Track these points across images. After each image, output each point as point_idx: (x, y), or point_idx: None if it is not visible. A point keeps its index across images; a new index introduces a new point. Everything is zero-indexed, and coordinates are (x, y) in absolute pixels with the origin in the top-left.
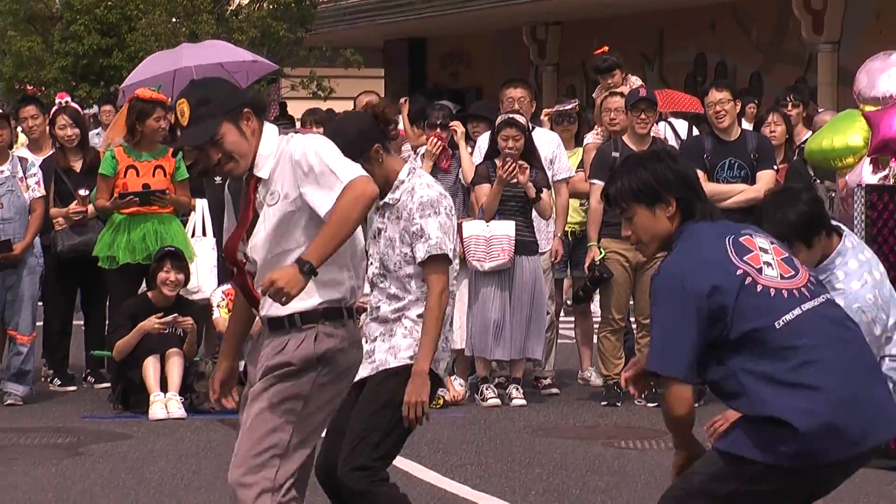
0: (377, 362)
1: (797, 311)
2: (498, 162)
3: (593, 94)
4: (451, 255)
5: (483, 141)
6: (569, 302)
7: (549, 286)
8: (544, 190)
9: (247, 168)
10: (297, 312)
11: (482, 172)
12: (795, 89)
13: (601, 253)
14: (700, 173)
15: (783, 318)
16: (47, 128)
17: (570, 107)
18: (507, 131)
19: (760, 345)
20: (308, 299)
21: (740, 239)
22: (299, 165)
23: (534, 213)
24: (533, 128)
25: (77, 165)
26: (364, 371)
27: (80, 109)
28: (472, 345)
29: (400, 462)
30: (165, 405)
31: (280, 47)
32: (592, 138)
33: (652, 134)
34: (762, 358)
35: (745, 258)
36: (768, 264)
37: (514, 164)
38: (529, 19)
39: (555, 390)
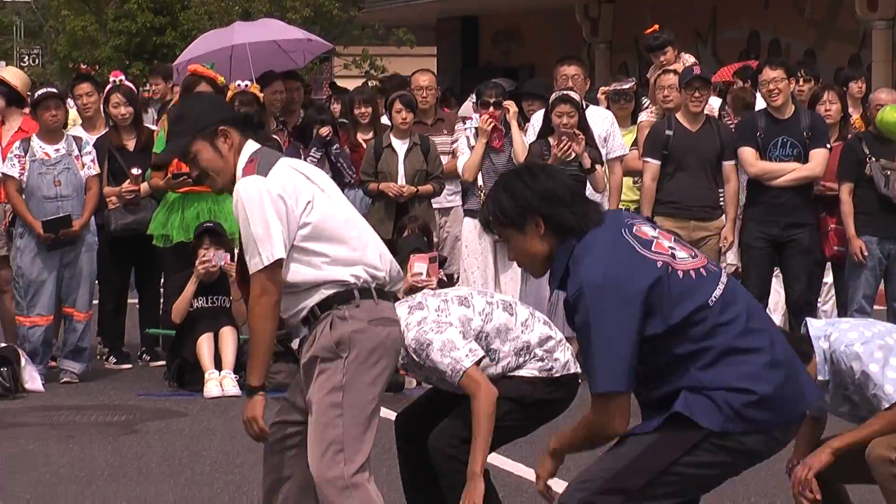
0: None
1: (721, 287)
2: (552, 140)
3: (647, 74)
4: (472, 357)
5: (536, 119)
6: None
7: None
8: (597, 166)
9: (226, 184)
10: (312, 306)
11: (536, 151)
12: (806, 64)
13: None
14: (752, 151)
15: (713, 294)
16: (101, 106)
17: (627, 86)
18: (561, 107)
19: (698, 325)
20: (314, 294)
21: (633, 231)
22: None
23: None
24: (587, 105)
25: (130, 144)
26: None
27: (133, 88)
28: None
29: None
30: (220, 383)
31: (333, 26)
32: (647, 117)
33: (706, 112)
34: (703, 337)
35: (652, 248)
36: (673, 248)
37: (568, 143)
38: None
39: None
